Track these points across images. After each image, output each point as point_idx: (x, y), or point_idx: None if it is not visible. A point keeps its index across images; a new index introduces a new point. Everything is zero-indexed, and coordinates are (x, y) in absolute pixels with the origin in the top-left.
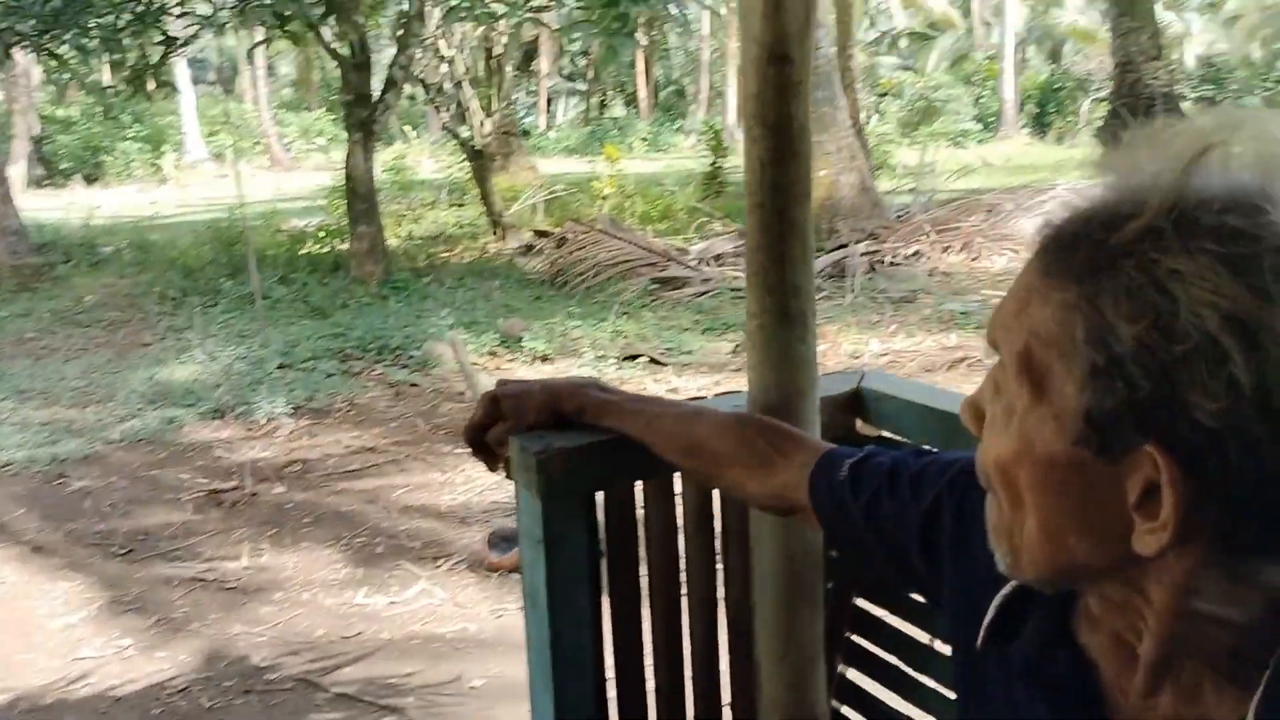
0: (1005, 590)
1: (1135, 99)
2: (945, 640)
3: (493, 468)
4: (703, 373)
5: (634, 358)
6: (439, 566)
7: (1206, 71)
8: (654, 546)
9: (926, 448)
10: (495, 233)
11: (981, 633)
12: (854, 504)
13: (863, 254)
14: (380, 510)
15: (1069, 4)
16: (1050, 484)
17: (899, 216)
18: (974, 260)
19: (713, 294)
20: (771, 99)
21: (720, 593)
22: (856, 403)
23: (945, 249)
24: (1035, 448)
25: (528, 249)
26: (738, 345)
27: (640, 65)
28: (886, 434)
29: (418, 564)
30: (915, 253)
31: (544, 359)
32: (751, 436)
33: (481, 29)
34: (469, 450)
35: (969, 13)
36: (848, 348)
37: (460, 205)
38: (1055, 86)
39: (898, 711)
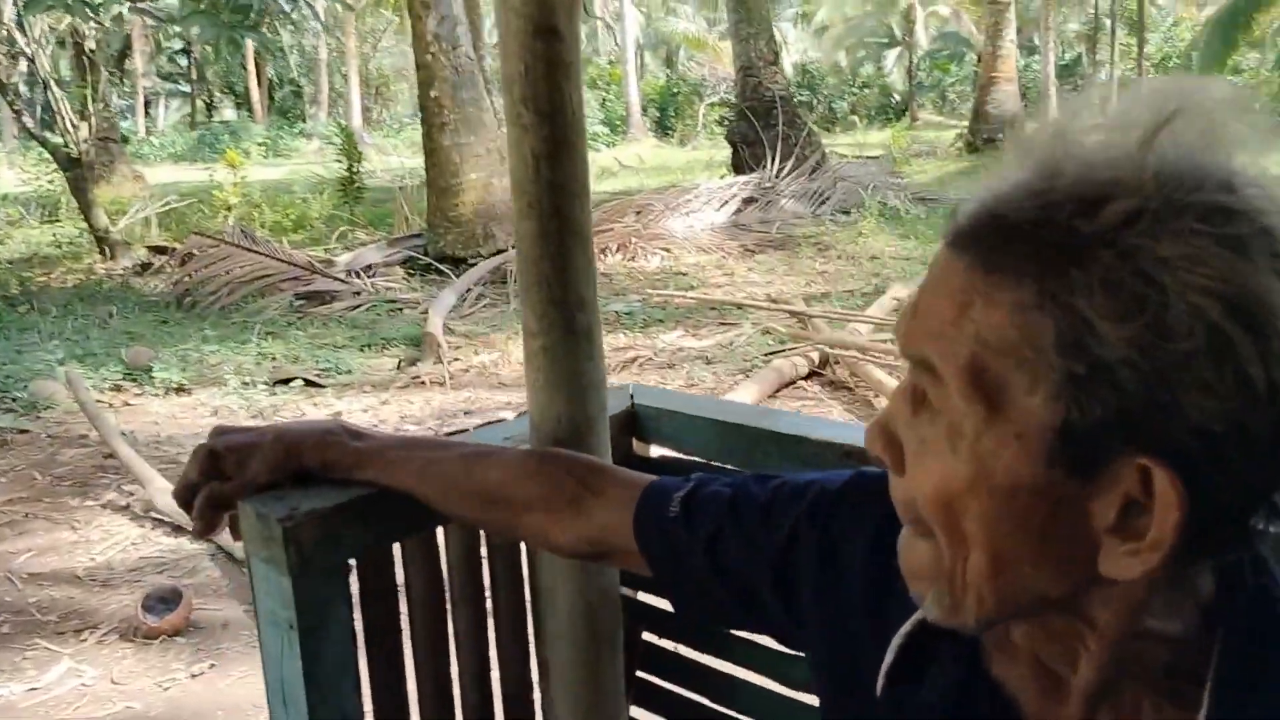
0: (905, 629)
1: (758, 101)
2: (814, 683)
3: (206, 534)
4: (366, 393)
5: (287, 381)
6: (85, 640)
7: (803, 78)
8: (417, 614)
9: (770, 473)
10: (102, 251)
11: (881, 677)
12: (692, 541)
13: None
14: (1, 582)
15: (681, 11)
16: (1010, 512)
17: None
18: (631, 260)
19: (366, 307)
20: (542, 79)
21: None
22: (631, 421)
23: (602, 250)
24: (995, 473)
25: (144, 268)
26: (401, 361)
27: (251, 64)
28: (668, 452)
29: (57, 640)
30: None
31: (180, 390)
32: (558, 476)
33: (68, 21)
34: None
35: (590, 17)
36: (519, 356)
37: (55, 221)
38: (673, 91)
39: None
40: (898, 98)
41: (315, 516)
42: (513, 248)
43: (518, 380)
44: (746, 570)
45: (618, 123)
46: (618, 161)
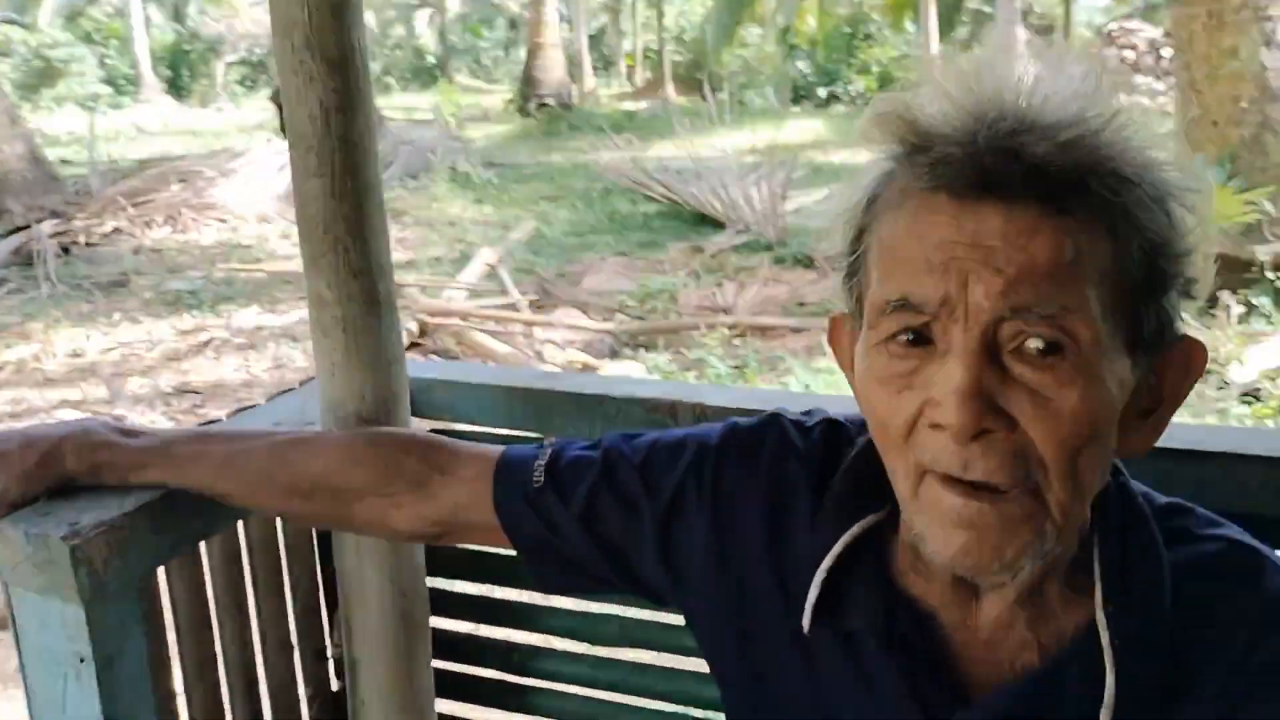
0: (826, 564)
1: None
2: (704, 643)
3: None
4: None
5: None
6: None
7: None
8: (223, 620)
9: (631, 431)
10: None
11: (808, 613)
12: (563, 512)
13: (51, 235)
14: None
15: None
16: (1111, 427)
17: (78, 191)
18: (183, 234)
19: None
20: (328, 25)
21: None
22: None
23: (148, 224)
24: (1115, 393)
25: None
26: None
27: None
28: (452, 425)
29: None
30: (114, 230)
31: None
32: (394, 457)
33: None
34: None
35: None
36: (68, 347)
37: None
38: (185, 49)
39: None
40: (432, 60)
41: (105, 529)
42: (39, 223)
43: (69, 375)
44: (625, 535)
45: (123, 82)
46: (136, 127)
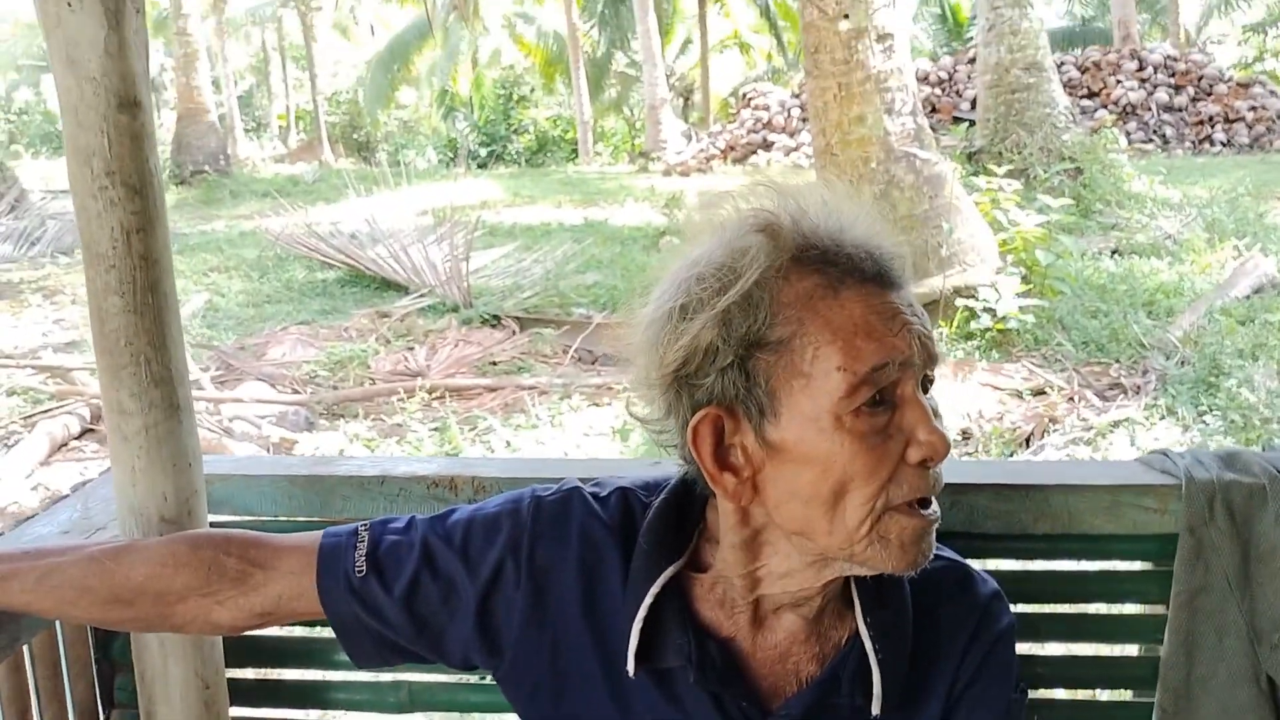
0: (641, 614)
1: None
2: (518, 701)
3: None
4: None
5: None
6: None
7: None
8: None
9: (440, 514)
10: None
11: (631, 659)
12: (385, 597)
13: None
14: None
15: None
16: None
17: None
18: None
19: None
20: (128, 153)
21: None
22: None
23: None
24: None
25: None
26: None
27: None
28: (236, 518)
29: None
30: None
31: None
32: (214, 558)
33: None
34: None
35: None
36: None
37: None
38: None
39: None
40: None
41: None
42: None
43: None
44: (443, 613)
45: None
46: None
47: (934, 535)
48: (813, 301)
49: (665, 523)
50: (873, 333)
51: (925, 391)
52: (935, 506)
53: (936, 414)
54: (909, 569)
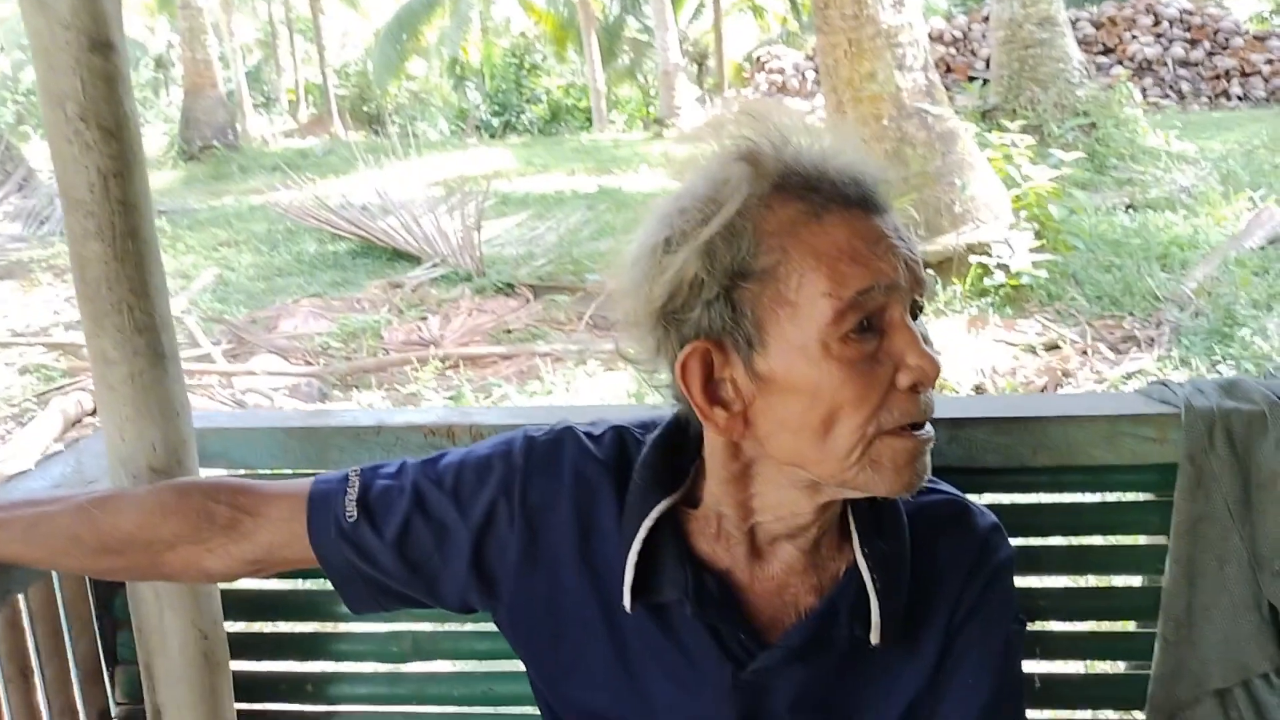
0: (636, 548)
1: None
2: (518, 643)
3: None
4: None
5: None
6: None
7: None
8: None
9: (430, 456)
10: None
11: (627, 594)
12: (377, 542)
13: None
14: None
15: None
16: None
17: None
18: None
19: None
20: (102, 96)
21: None
22: None
23: None
24: None
25: None
26: None
27: None
28: (232, 471)
29: None
30: None
31: None
32: (204, 506)
33: None
34: None
35: None
36: None
37: None
38: None
39: None
40: None
41: None
42: None
43: None
44: (438, 556)
45: None
46: None
47: (928, 456)
48: (796, 228)
49: (661, 457)
50: (857, 257)
51: (914, 318)
52: (929, 428)
53: (926, 339)
54: (904, 491)
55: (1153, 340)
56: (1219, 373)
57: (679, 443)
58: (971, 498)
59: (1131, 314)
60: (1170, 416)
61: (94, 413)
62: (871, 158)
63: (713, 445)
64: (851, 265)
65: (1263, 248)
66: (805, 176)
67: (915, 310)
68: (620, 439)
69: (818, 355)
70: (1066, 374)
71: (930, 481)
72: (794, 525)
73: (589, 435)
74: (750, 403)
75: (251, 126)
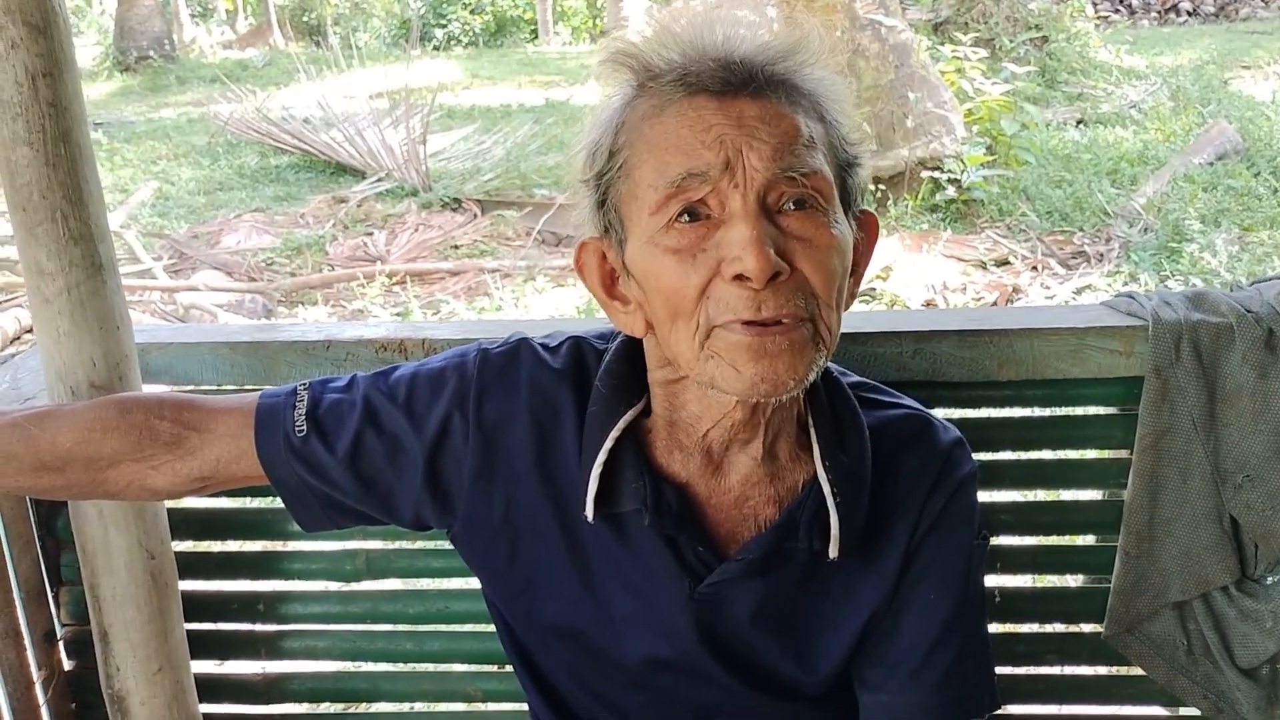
0: (601, 459)
1: None
2: (473, 558)
3: None
4: None
5: None
6: None
7: None
8: None
9: (382, 369)
10: None
11: (590, 505)
12: (328, 457)
13: None
14: None
15: None
16: (848, 268)
17: None
18: None
19: None
20: None
21: None
22: None
23: None
24: (847, 239)
25: None
26: None
27: None
28: (177, 387)
29: None
30: None
31: None
32: (146, 422)
33: None
34: None
35: None
36: None
37: None
38: None
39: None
40: None
41: None
42: None
43: None
44: (391, 471)
45: None
46: None
47: (789, 357)
48: (641, 125)
49: (624, 364)
50: (681, 145)
51: (801, 208)
52: (800, 328)
53: (823, 243)
54: (750, 392)
55: (1102, 256)
56: (1168, 289)
57: (641, 350)
58: (935, 412)
59: (1081, 230)
60: (1137, 329)
61: (32, 329)
62: (771, 41)
63: (647, 349)
64: (673, 154)
65: (1211, 164)
66: (668, 75)
67: (801, 202)
68: (578, 349)
69: (648, 245)
70: (1017, 290)
71: (893, 395)
72: (730, 429)
73: (545, 346)
74: (640, 297)
75: (188, 36)
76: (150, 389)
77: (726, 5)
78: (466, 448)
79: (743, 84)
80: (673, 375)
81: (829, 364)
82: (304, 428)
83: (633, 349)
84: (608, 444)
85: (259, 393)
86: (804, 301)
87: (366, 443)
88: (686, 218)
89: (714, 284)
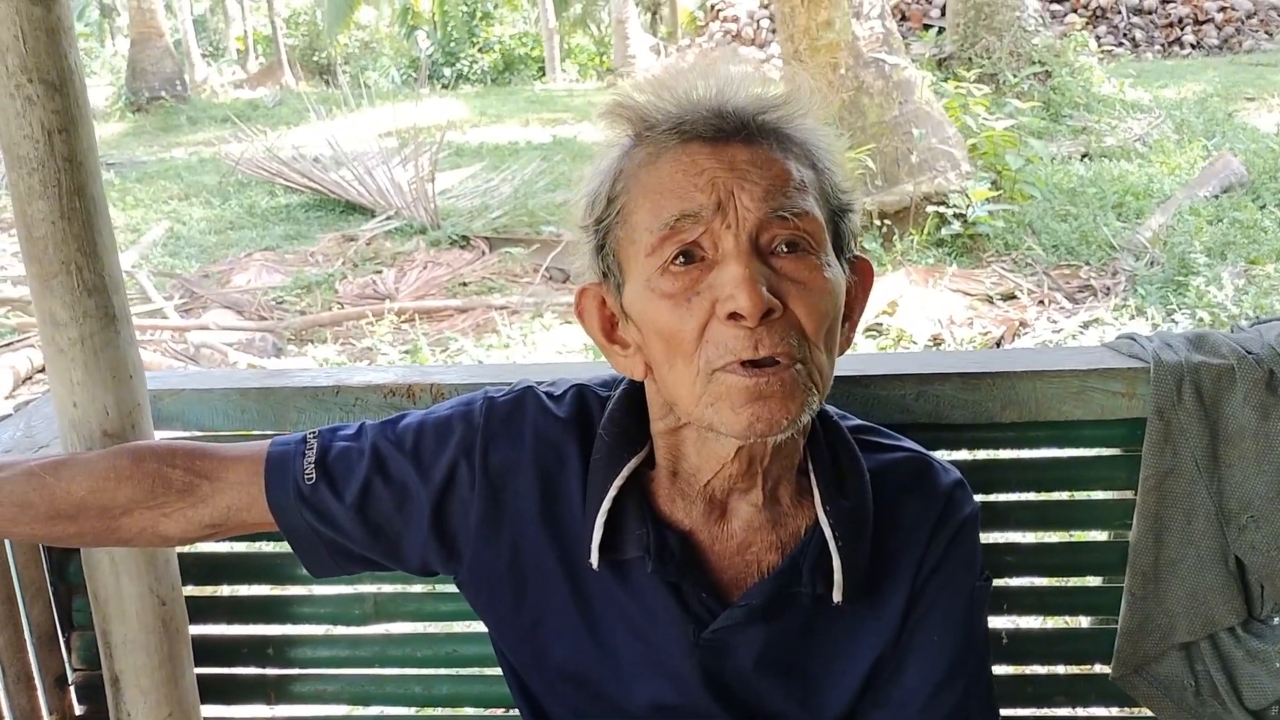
0: (605, 507)
1: None
2: (479, 604)
3: None
4: None
5: None
6: None
7: None
8: None
9: (389, 418)
10: None
11: (595, 552)
12: (337, 504)
13: None
14: None
15: None
16: (840, 313)
17: None
18: None
19: None
20: (45, 49)
21: None
22: None
23: None
24: (839, 284)
25: None
26: None
27: None
28: (189, 433)
29: None
30: None
31: None
32: (159, 470)
33: None
34: None
35: None
36: None
37: None
38: None
39: None
40: None
41: None
42: None
43: None
44: (398, 519)
45: None
46: None
47: (782, 401)
48: (638, 172)
49: (627, 413)
50: (675, 189)
51: (793, 251)
52: (793, 368)
53: (815, 285)
54: (747, 434)
55: (1109, 289)
56: (1174, 321)
57: (644, 398)
58: (939, 454)
59: (1088, 263)
60: (1139, 371)
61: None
62: (763, 93)
63: (649, 397)
64: (668, 198)
65: (1216, 196)
66: (663, 125)
67: (793, 245)
68: (581, 397)
69: (645, 289)
70: (1024, 324)
71: (893, 438)
72: (730, 479)
73: (550, 394)
74: (641, 342)
75: (199, 77)
76: (163, 435)
77: (722, 59)
78: (473, 495)
79: (735, 131)
80: (674, 424)
81: (828, 408)
82: (313, 475)
83: (635, 398)
84: (611, 492)
85: (269, 441)
86: (796, 341)
87: (374, 490)
88: (681, 260)
89: (711, 325)
